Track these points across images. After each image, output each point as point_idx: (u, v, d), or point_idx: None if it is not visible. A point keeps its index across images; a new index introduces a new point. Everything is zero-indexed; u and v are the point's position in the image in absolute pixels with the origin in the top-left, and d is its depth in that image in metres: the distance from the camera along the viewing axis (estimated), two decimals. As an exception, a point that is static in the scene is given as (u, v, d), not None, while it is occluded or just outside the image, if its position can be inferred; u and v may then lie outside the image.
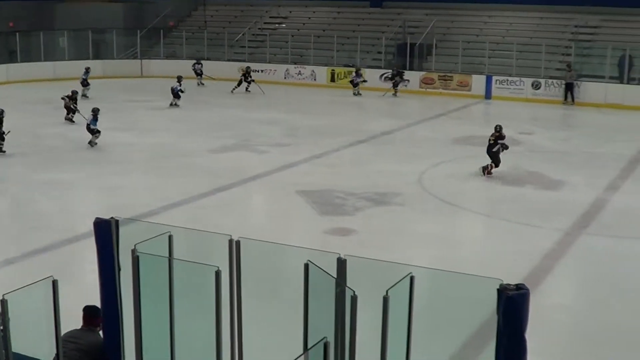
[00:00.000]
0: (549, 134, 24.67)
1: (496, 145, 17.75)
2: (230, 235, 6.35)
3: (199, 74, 34.65)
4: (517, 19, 36.59)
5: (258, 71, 34.16)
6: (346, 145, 21.44)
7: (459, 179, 17.86)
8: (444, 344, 8.03)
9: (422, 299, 6.61)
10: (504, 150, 17.83)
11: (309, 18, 41.32)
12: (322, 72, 35.96)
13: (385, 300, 5.33)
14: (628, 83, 31.21)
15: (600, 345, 9.49)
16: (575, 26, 34.81)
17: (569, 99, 30.76)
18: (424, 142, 22.26)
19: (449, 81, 33.33)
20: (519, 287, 5.35)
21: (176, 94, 27.75)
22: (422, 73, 34.12)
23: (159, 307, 6.49)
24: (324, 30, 39.11)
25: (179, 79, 28.21)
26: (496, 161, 17.81)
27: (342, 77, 35.19)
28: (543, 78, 31.97)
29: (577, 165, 19.90)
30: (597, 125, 27.54)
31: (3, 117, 19.61)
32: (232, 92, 32.00)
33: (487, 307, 5.98)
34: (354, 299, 5.41)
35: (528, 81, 32.00)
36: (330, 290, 5.83)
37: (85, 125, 20.63)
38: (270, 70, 36.34)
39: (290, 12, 42.09)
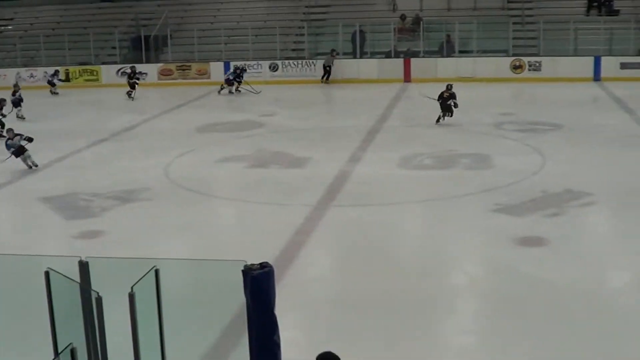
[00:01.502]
0: (290, 113, 25.21)
1: (449, 100, 20.86)
2: (-39, 252, 6.00)
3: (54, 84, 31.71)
4: (250, 3, 37.14)
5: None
6: (87, 145, 20.78)
7: (205, 167, 17.84)
8: (202, 332, 7.98)
9: (177, 291, 6.53)
10: (454, 106, 20.95)
11: (37, 18, 39.67)
12: (56, 73, 34.60)
13: (131, 297, 5.23)
14: (361, 57, 32.57)
15: (359, 310, 9.71)
16: (307, 7, 35.79)
17: (325, 78, 31.57)
18: (167, 134, 22.02)
19: (187, 71, 33.24)
20: (263, 265, 5.42)
21: (16, 102, 25.84)
22: (160, 65, 33.82)
23: None
24: (53, 30, 37.76)
25: (16, 87, 26.40)
26: (450, 112, 21.00)
27: (77, 77, 34.14)
28: (280, 60, 32.64)
29: (320, 140, 20.47)
30: (336, 101, 28.58)
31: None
32: (132, 98, 29.62)
33: (240, 290, 6.01)
34: (98, 300, 5.27)
35: (265, 64, 32.57)
36: (76, 294, 5.65)
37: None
38: (0, 75, 34.52)
39: (15, 12, 40.23)
